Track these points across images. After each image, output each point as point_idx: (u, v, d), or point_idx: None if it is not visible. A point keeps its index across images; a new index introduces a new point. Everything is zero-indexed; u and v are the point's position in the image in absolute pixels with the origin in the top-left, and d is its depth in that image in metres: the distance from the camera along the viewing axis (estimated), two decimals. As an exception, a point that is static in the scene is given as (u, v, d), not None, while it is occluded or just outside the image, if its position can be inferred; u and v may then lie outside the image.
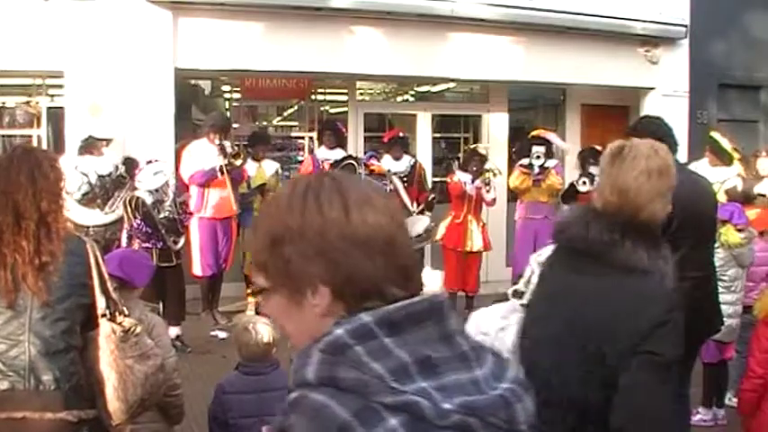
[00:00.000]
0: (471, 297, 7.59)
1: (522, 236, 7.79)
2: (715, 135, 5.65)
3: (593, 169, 7.42)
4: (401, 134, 8.44)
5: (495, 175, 7.64)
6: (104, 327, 2.51)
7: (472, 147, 8.62)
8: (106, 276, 2.59)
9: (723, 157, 6.04)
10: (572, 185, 7.53)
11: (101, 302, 2.53)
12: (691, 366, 3.79)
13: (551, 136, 8.08)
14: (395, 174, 7.92)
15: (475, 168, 7.57)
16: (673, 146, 3.23)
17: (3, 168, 2.55)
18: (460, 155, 8.99)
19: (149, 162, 6.40)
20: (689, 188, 3.56)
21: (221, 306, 7.45)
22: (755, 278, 4.86)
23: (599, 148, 7.71)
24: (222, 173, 7.06)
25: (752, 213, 4.94)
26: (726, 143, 6.08)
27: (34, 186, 2.51)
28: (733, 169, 6.23)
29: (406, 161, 8.05)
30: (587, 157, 7.56)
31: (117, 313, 2.56)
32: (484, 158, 7.81)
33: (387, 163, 8.01)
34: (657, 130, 3.36)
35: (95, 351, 2.49)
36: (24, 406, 2.37)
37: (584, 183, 7.29)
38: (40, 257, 2.42)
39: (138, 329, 2.56)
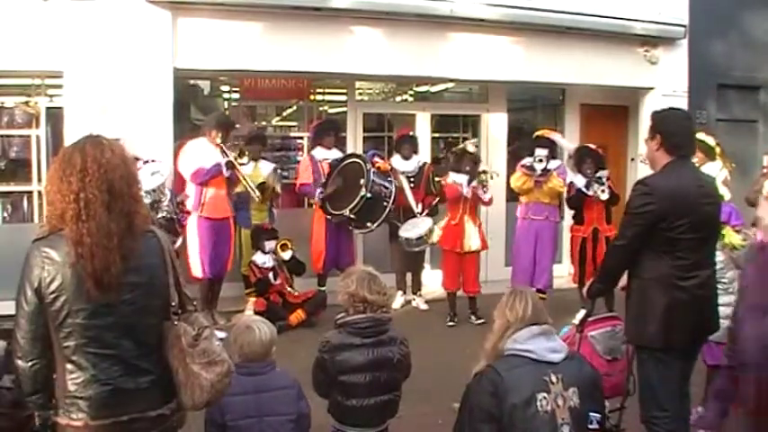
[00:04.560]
0: (473, 298, 7.56)
1: (523, 236, 7.75)
2: (701, 136, 5.82)
3: (589, 171, 7.35)
4: (411, 133, 8.43)
5: (491, 177, 7.41)
6: (176, 326, 2.41)
7: (461, 146, 8.27)
8: (179, 270, 2.50)
9: (710, 154, 6.24)
10: (580, 192, 7.31)
11: (174, 298, 2.44)
12: (692, 364, 3.80)
13: (556, 137, 8.02)
14: (402, 173, 7.91)
15: (468, 169, 7.36)
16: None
17: (96, 144, 2.35)
18: (450, 154, 8.76)
19: (146, 162, 6.38)
20: (695, 189, 3.59)
21: (219, 306, 7.44)
22: None
23: (593, 146, 7.66)
24: (228, 167, 7.04)
25: None
26: (710, 140, 6.27)
27: (127, 169, 2.36)
28: (717, 164, 6.36)
29: (415, 161, 8.02)
30: (584, 156, 7.41)
31: (187, 308, 2.49)
32: (475, 158, 7.62)
33: (395, 162, 8.00)
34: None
35: (165, 346, 2.40)
36: (129, 408, 2.29)
37: (603, 191, 7.14)
38: (123, 249, 2.28)
39: (206, 333, 2.46)
